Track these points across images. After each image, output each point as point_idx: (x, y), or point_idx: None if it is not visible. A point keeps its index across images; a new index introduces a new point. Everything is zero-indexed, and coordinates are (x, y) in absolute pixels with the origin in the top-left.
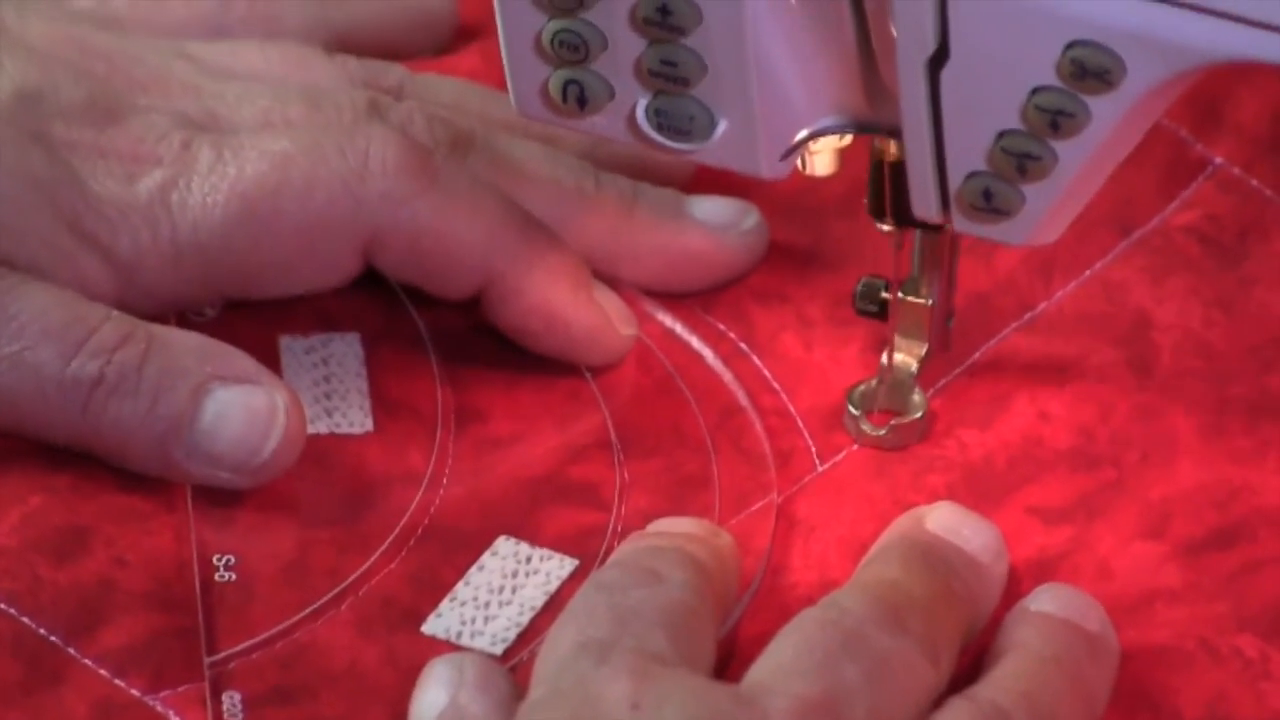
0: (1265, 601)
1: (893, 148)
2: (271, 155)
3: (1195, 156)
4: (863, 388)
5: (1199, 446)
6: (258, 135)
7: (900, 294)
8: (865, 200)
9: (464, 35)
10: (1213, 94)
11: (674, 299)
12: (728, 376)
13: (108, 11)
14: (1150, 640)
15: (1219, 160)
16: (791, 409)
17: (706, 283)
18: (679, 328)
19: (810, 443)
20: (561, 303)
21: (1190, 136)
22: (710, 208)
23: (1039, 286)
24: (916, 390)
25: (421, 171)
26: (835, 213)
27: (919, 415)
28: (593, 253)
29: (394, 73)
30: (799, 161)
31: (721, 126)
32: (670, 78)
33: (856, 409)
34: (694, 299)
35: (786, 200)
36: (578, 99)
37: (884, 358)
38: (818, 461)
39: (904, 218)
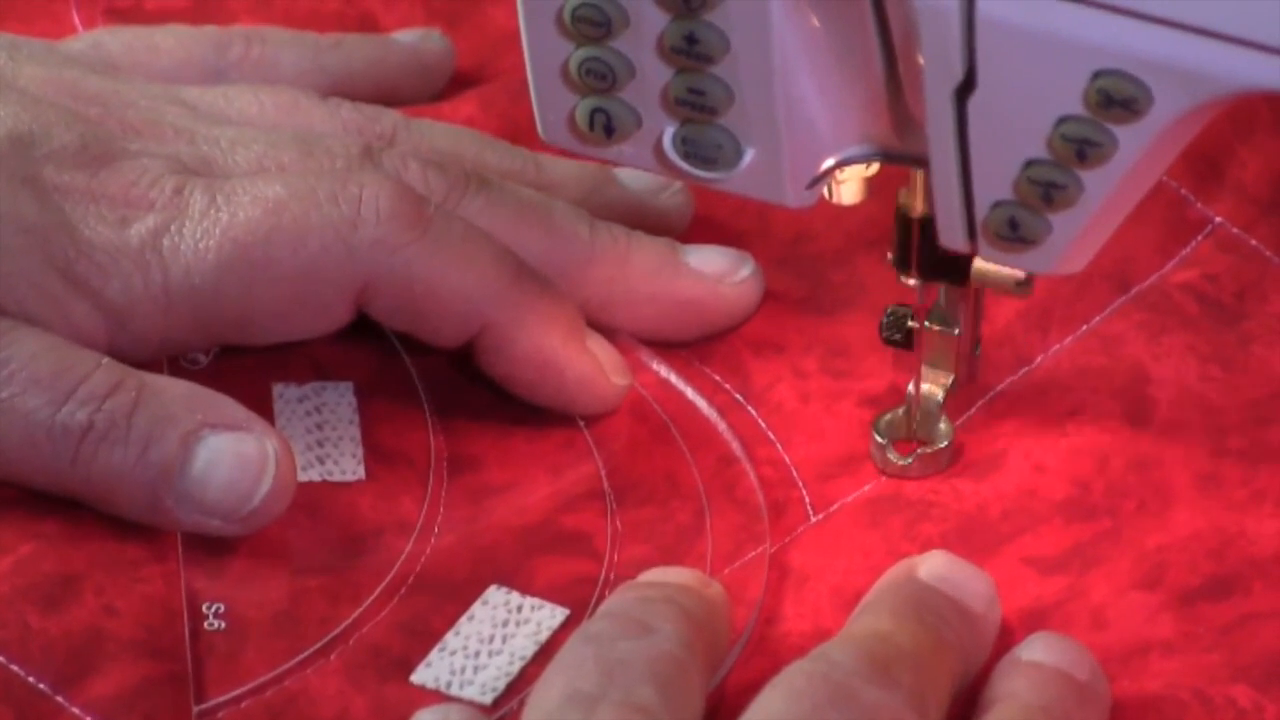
0: (1260, 652)
1: (919, 203)
2: (264, 201)
3: (1195, 215)
4: (889, 416)
5: (1195, 496)
6: (251, 181)
7: (927, 323)
8: (890, 254)
9: (462, 83)
10: (1213, 153)
11: (669, 349)
12: (722, 427)
13: (101, 55)
14: (1144, 690)
15: (1218, 219)
16: (786, 459)
17: (702, 332)
18: (674, 378)
19: (805, 493)
20: (554, 351)
21: (1190, 195)
22: (706, 257)
23: (1036, 340)
24: (943, 419)
25: (415, 219)
26: (832, 263)
27: (945, 445)
28: (588, 301)
29: (389, 118)
30: (825, 190)
31: (748, 155)
32: (697, 106)
33: (883, 438)
34: (690, 349)
35: (783, 250)
36: (605, 127)
37: (910, 387)
38: (811, 512)
39: (929, 272)
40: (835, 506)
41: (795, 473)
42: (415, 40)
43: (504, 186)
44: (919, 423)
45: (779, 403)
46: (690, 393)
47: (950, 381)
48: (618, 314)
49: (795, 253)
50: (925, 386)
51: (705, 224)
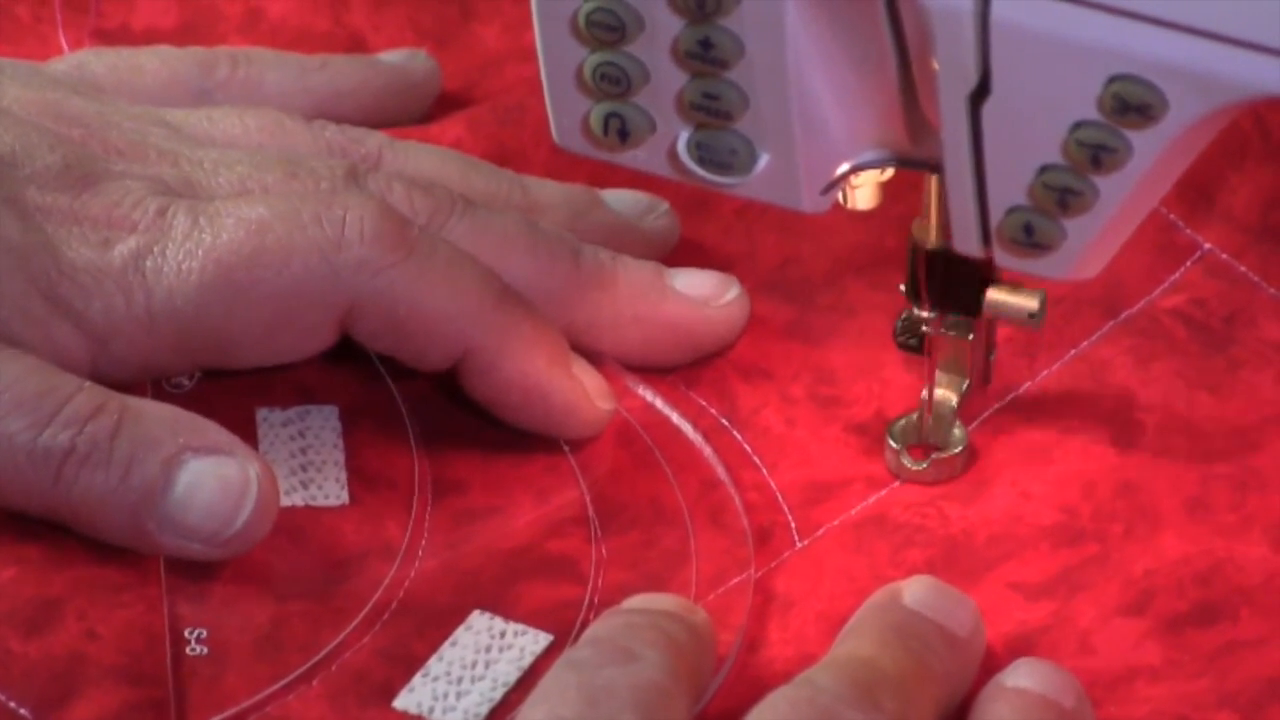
0: (1246, 679)
1: (932, 236)
2: (248, 222)
3: (1184, 241)
4: (903, 422)
5: (1183, 521)
6: (234, 202)
7: (941, 329)
8: (902, 286)
9: (449, 103)
10: (1204, 180)
11: (656, 374)
12: (708, 451)
13: (86, 77)
14: (1130, 716)
15: (1208, 245)
16: (772, 484)
17: (688, 355)
18: (659, 402)
19: (790, 518)
20: (539, 375)
21: (1179, 221)
22: (692, 280)
23: (1023, 366)
24: (957, 424)
25: (399, 240)
26: (819, 286)
27: (959, 450)
28: (573, 324)
29: (374, 139)
30: (840, 195)
31: (763, 160)
32: (712, 111)
33: (897, 443)
34: (676, 374)
35: (770, 273)
36: (619, 132)
37: (924, 392)
38: (797, 538)
39: (942, 304)
40: (821, 531)
41: (781, 498)
42: (401, 61)
43: (489, 209)
44: (932, 427)
45: (765, 427)
46: (675, 417)
47: (964, 386)
48: (603, 337)
49: (782, 276)
50: (939, 391)
51: (692, 247)
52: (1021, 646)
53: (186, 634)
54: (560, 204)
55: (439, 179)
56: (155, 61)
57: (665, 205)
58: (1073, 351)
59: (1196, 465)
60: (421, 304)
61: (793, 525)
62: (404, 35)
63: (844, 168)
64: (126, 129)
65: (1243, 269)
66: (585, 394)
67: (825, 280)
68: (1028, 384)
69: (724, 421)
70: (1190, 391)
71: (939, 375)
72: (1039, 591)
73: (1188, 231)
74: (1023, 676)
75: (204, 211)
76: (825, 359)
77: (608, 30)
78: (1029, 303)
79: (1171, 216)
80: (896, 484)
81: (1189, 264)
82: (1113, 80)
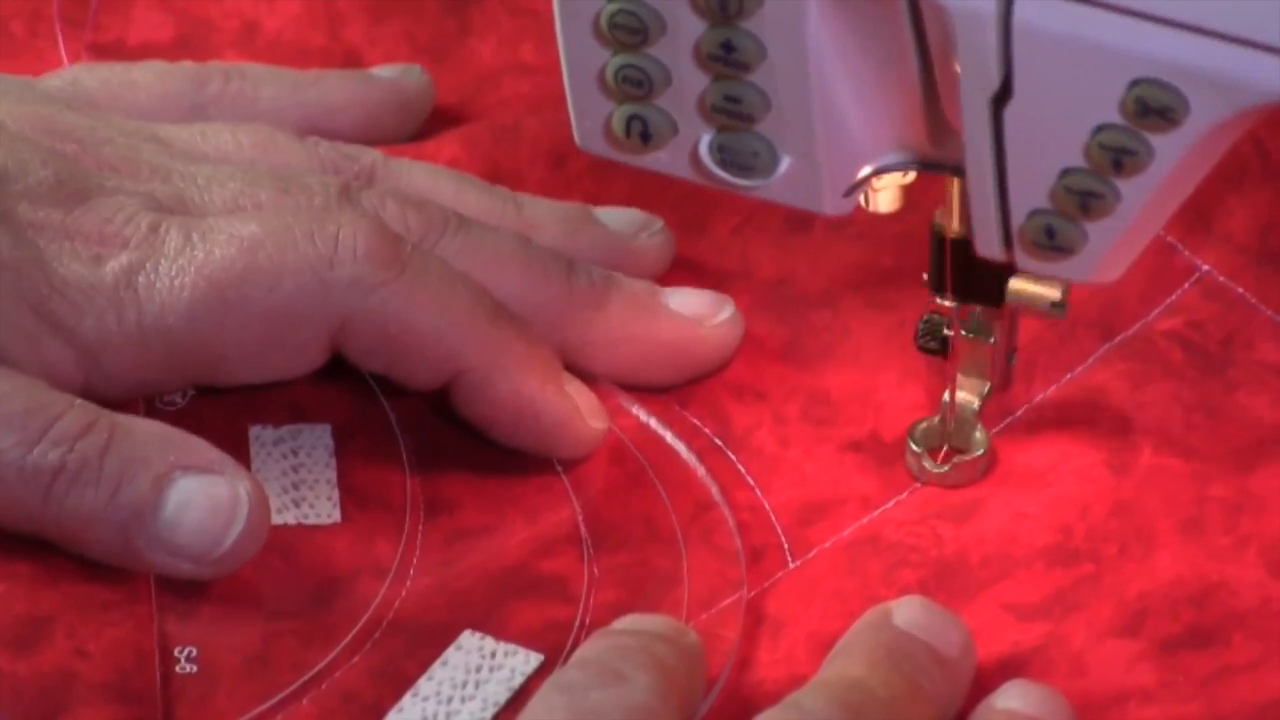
0: (1238, 703)
1: (954, 223)
2: (240, 239)
3: (1181, 263)
4: (925, 425)
5: (1178, 543)
6: (227, 219)
7: (962, 331)
8: (925, 275)
9: (444, 119)
10: (1202, 202)
11: (649, 393)
12: (701, 471)
13: (79, 92)
14: None
15: (1205, 267)
16: (765, 505)
17: (681, 374)
18: (653, 422)
19: (783, 539)
20: (531, 394)
21: (1177, 243)
22: (686, 299)
23: (1019, 389)
24: (978, 428)
25: (391, 258)
26: (814, 306)
27: (980, 453)
28: (567, 343)
29: (367, 156)
30: (862, 198)
31: (785, 163)
32: (734, 114)
33: (918, 446)
34: (670, 394)
35: (765, 293)
36: (641, 134)
37: (946, 395)
38: (790, 558)
39: (964, 293)
40: (813, 552)
41: (774, 518)
42: (396, 76)
43: (483, 227)
44: (954, 431)
45: (759, 447)
46: (669, 437)
47: (985, 390)
48: (596, 356)
49: (777, 295)
50: (960, 395)
51: (686, 265)
52: (1014, 667)
53: (176, 652)
54: (554, 222)
55: (432, 196)
56: (149, 76)
57: (660, 223)
58: (1069, 374)
59: (1192, 487)
60: (414, 322)
61: (785, 546)
62: (400, 50)
63: (866, 170)
64: (119, 144)
65: (1240, 291)
66: (578, 413)
67: (820, 300)
68: (1024, 406)
69: (717, 441)
70: (1186, 414)
71: (960, 378)
72: (1032, 612)
73: (1185, 253)
74: (1014, 698)
75: (196, 228)
76: (820, 379)
77: (630, 32)
78: (1051, 292)
79: (1169, 238)
80: (904, 495)
81: (1186, 286)
82: (1135, 83)
